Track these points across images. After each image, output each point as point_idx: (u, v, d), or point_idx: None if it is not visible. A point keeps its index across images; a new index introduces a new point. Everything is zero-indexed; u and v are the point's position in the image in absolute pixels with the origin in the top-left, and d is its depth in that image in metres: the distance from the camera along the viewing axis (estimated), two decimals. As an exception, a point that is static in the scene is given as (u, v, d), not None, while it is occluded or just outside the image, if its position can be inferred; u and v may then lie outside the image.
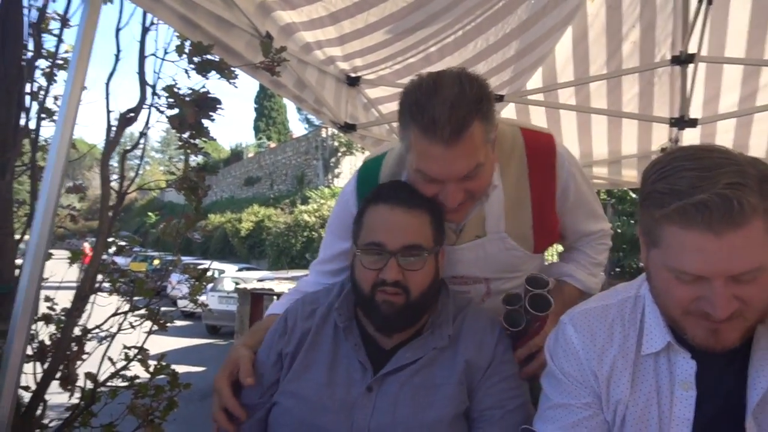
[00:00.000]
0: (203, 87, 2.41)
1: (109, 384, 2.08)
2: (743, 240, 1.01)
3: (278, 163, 34.36)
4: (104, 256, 2.33)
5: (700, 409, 1.17)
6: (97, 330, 2.23)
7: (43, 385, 2.00)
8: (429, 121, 1.30)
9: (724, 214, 1.00)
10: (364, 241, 1.44)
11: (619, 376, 1.24)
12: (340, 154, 29.80)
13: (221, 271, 16.16)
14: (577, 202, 1.65)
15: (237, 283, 12.77)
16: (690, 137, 3.85)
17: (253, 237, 26.04)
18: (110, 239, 2.31)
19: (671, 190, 1.05)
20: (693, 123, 2.90)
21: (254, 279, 12.61)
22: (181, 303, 14.87)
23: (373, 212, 1.46)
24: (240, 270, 17.48)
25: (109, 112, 2.20)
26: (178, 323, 15.00)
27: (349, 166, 30.15)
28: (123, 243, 2.60)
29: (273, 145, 39.94)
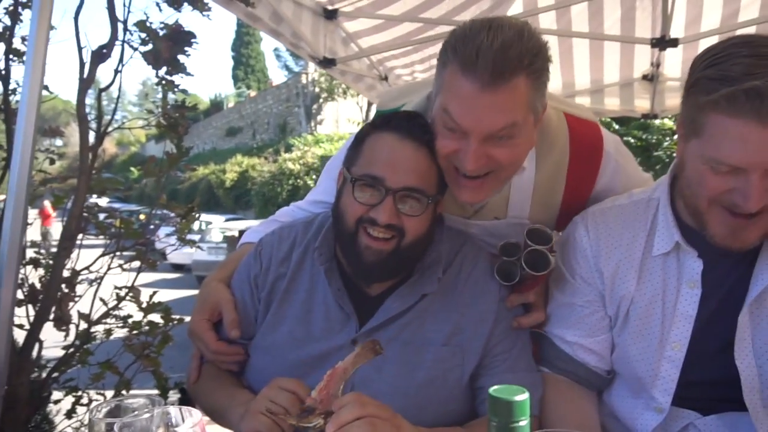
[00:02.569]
0: (176, 21, 2.34)
1: (103, 322, 2.09)
2: None
3: (259, 112, 33.78)
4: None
5: (702, 305, 1.21)
6: (86, 271, 2.23)
7: (36, 326, 2.01)
8: (471, 54, 1.13)
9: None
10: (362, 170, 1.25)
11: (625, 273, 1.27)
12: (321, 100, 29.31)
13: (208, 223, 16.12)
14: (623, 188, 1.48)
15: (224, 233, 12.78)
16: (672, 60, 3.82)
17: (239, 187, 25.87)
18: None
19: (722, 76, 1.01)
20: (674, 42, 2.88)
21: (241, 229, 12.62)
22: (170, 256, 14.89)
23: (378, 140, 1.27)
24: (227, 221, 17.48)
25: (80, 48, 2.12)
26: (168, 276, 15.05)
27: (332, 113, 29.71)
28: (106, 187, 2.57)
29: (253, 94, 39.17)
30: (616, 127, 9.09)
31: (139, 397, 0.81)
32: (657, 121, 8.15)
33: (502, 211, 1.46)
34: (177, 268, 15.58)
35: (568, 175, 1.42)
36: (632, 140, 8.95)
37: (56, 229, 2.66)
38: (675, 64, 3.88)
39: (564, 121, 1.42)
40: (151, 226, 2.45)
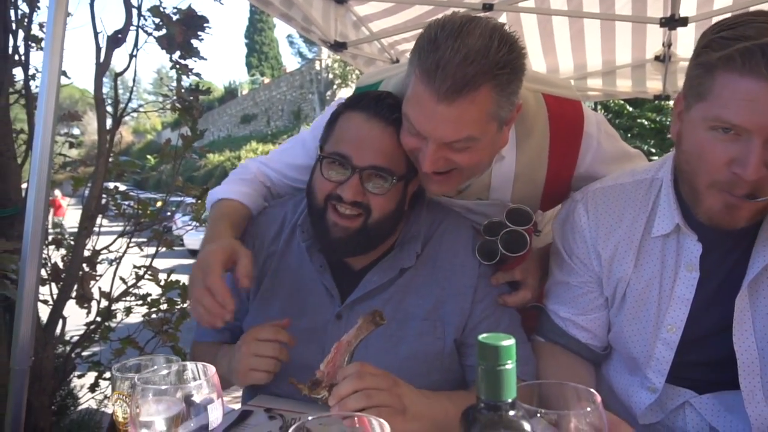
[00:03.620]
0: (189, 6, 2.39)
1: (123, 300, 2.17)
2: None
3: (273, 98, 33.81)
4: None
5: (699, 289, 1.19)
6: (106, 251, 2.31)
7: (59, 303, 2.09)
8: (432, 65, 1.11)
9: None
10: (331, 148, 1.28)
11: (623, 254, 1.26)
12: (335, 86, 29.26)
13: (224, 209, 16.23)
14: (606, 166, 1.46)
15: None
16: (684, 40, 3.78)
17: (253, 174, 26.02)
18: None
19: (738, 36, 0.99)
20: (684, 22, 2.84)
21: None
22: (186, 241, 15.05)
23: (348, 119, 1.30)
24: (242, 206, 17.58)
25: (96, 33, 2.18)
26: (185, 261, 15.24)
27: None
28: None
29: (267, 80, 39.20)
30: (630, 109, 8.99)
31: (158, 357, 0.86)
32: (671, 103, 8.05)
33: (484, 194, 1.47)
34: (193, 253, 15.77)
35: (550, 156, 1.41)
36: (646, 122, 8.84)
37: (67, 219, 2.73)
38: (688, 44, 3.83)
39: (543, 103, 1.40)
40: (167, 213, 2.52)
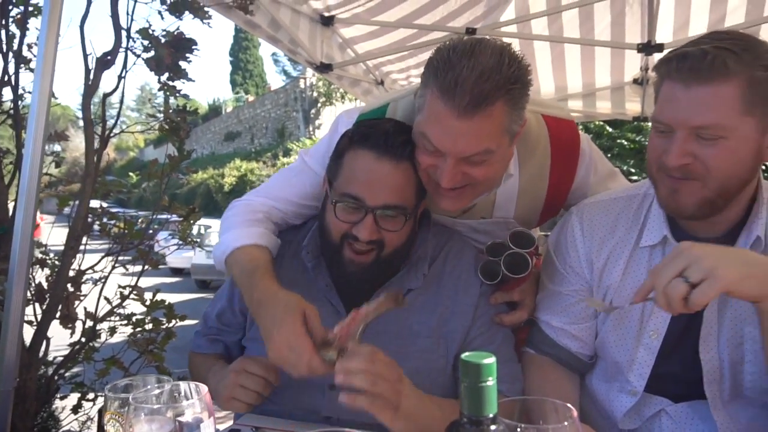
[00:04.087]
0: (177, 29, 2.42)
1: (108, 320, 2.16)
2: (711, 96, 1.08)
3: (258, 116, 33.85)
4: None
5: None
6: (91, 271, 2.30)
7: (44, 323, 2.08)
8: (451, 83, 1.17)
9: (694, 65, 1.08)
10: (342, 189, 1.30)
11: (614, 264, 1.34)
12: (320, 104, 29.38)
13: (207, 227, 16.18)
14: (596, 179, 1.56)
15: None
16: (661, 65, 3.91)
17: (237, 192, 25.92)
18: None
19: (681, 52, 1.13)
20: (660, 48, 2.96)
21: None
22: (169, 260, 14.97)
23: (357, 157, 1.31)
24: (226, 224, 17.54)
25: (86, 55, 2.20)
26: (168, 280, 15.13)
27: (330, 117, 29.77)
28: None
29: (251, 98, 39.25)
30: (610, 130, 9.18)
31: (149, 377, 0.88)
32: (650, 124, 8.25)
33: (488, 212, 1.52)
34: (176, 272, 15.65)
35: (551, 174, 1.50)
36: (626, 143, 9.03)
37: (43, 237, 2.75)
38: (664, 68, 3.96)
39: (543, 123, 1.48)
40: (150, 231, 2.52)
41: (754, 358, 1.21)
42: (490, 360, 0.58)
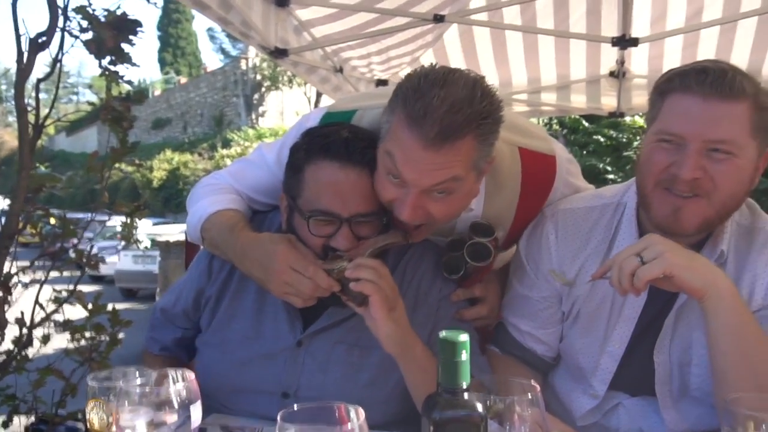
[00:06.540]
0: (118, 7, 2.51)
1: (42, 326, 2.24)
2: (728, 112, 1.27)
3: (191, 101, 33.46)
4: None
5: (644, 309, 1.46)
6: (21, 273, 2.37)
7: (-29, 331, 2.13)
8: (420, 112, 1.24)
9: (715, 81, 1.26)
10: (311, 206, 1.40)
11: (585, 276, 1.52)
12: (264, 89, 29.22)
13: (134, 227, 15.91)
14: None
15: (153, 240, 12.73)
16: (637, 58, 4.18)
17: (168, 187, 25.62)
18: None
19: (699, 67, 1.32)
20: (634, 42, 3.20)
21: (174, 234, 12.59)
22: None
23: (319, 169, 1.40)
24: (155, 225, 17.32)
25: (18, 36, 2.27)
26: (87, 289, 14.78)
27: (276, 104, 29.64)
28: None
29: (183, 80, 38.72)
30: (586, 124, 9.59)
31: (130, 369, 1.01)
32: (628, 119, 8.67)
33: (448, 234, 1.66)
34: (96, 279, 15.36)
35: (518, 210, 1.61)
36: (602, 139, 9.45)
37: None
38: (641, 61, 4.23)
39: (518, 159, 1.56)
40: (89, 231, 2.60)
41: (700, 360, 1.44)
42: (465, 337, 0.74)
